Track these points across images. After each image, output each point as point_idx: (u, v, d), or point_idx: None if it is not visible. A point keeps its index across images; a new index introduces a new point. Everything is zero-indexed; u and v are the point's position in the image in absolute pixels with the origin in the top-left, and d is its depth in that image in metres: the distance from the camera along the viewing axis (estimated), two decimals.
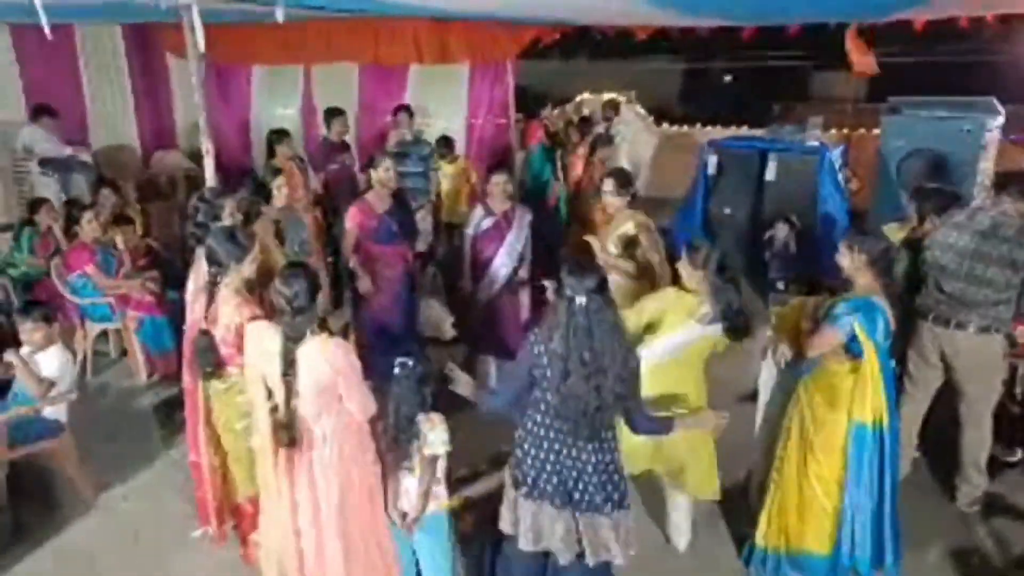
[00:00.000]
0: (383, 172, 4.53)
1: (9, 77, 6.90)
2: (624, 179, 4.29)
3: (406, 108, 6.99)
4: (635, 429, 2.79)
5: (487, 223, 4.73)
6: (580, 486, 2.69)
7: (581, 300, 2.53)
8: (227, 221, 3.78)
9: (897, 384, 3.64)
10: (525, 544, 2.77)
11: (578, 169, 7.27)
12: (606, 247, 4.13)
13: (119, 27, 7.76)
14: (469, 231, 4.78)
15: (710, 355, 3.25)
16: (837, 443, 3.01)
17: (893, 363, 3.26)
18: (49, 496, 3.93)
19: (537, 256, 4.92)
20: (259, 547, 3.18)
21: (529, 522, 2.77)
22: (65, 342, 4.17)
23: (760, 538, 3.27)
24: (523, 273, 4.83)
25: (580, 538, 2.72)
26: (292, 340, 2.68)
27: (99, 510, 3.89)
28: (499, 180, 4.75)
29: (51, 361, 3.81)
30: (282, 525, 2.90)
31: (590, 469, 2.68)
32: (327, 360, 2.69)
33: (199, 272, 3.38)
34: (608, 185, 4.24)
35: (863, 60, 6.58)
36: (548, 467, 2.71)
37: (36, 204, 5.75)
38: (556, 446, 2.69)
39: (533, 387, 2.68)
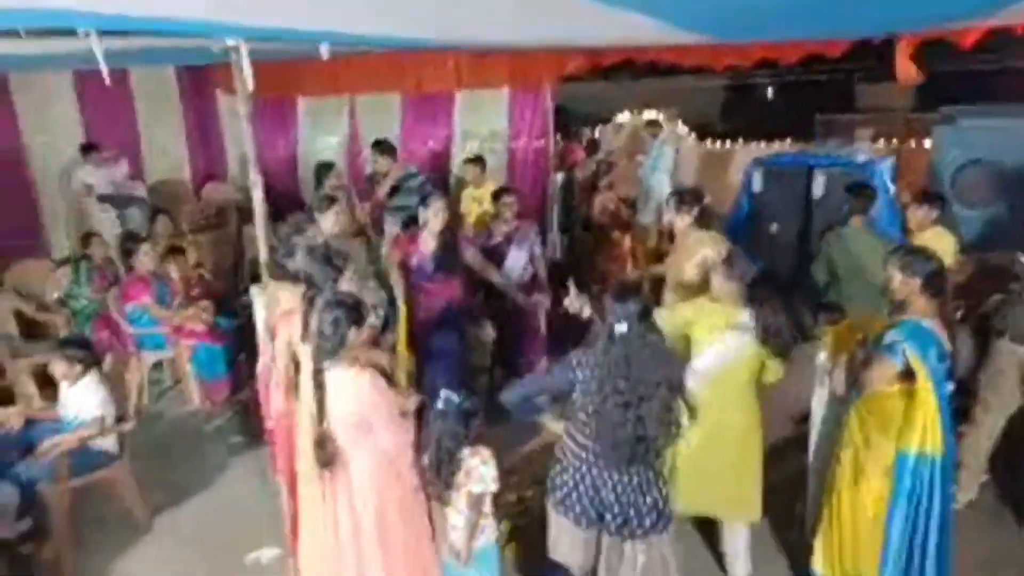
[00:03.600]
0: (431, 214, 4.45)
1: (72, 120, 7.25)
2: (682, 197, 4.06)
3: (380, 144, 6.46)
4: None
5: (492, 242, 4.92)
6: (615, 510, 2.67)
7: (621, 328, 2.50)
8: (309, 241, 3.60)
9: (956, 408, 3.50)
10: (551, 552, 2.80)
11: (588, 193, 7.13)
12: (682, 273, 3.88)
13: (172, 68, 8.08)
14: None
15: (763, 381, 3.15)
16: (886, 467, 2.91)
17: (950, 386, 3.12)
18: (106, 525, 4.01)
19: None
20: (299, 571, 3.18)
21: (553, 533, 2.81)
22: (117, 373, 4.30)
23: (816, 565, 3.17)
24: (539, 296, 4.92)
25: (602, 561, 2.72)
26: (319, 362, 2.74)
27: (156, 536, 3.97)
28: (507, 201, 4.92)
29: (83, 395, 3.84)
30: (323, 546, 2.92)
31: (625, 495, 2.65)
32: (357, 394, 2.74)
33: (279, 299, 3.38)
34: (670, 204, 4.08)
35: (909, 70, 6.41)
36: (580, 487, 2.71)
37: (87, 238, 5.98)
38: (589, 468, 2.68)
39: (573, 402, 2.68)
